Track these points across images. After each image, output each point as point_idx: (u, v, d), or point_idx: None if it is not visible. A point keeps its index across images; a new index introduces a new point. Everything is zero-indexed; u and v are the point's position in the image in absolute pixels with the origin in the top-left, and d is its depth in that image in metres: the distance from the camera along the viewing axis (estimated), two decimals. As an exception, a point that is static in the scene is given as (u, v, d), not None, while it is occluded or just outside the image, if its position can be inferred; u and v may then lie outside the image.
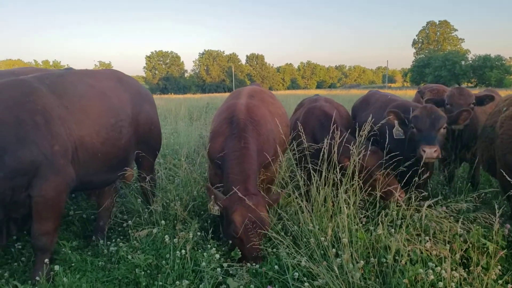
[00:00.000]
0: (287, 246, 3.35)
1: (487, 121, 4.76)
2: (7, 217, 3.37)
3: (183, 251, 3.44)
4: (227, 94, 9.35)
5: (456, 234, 3.37)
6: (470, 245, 3.26)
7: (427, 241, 3.25)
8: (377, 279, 3.04)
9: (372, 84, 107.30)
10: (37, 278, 3.33)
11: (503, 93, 8.44)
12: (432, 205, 3.65)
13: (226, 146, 4.00)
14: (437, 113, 4.23)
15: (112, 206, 4.61)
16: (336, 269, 2.92)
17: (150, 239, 3.76)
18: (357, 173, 3.97)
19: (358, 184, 3.95)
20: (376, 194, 3.87)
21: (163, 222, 3.94)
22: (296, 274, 3.11)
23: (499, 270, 3.05)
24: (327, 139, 4.24)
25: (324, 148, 4.15)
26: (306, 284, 2.97)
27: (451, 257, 3.06)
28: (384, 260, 3.16)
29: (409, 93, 24.08)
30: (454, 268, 3.00)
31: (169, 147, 8.22)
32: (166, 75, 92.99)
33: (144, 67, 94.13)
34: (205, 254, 3.42)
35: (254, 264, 3.41)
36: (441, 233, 3.46)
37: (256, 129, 4.16)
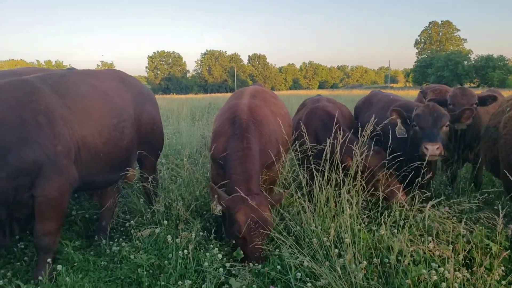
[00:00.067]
0: (290, 246, 3.35)
1: (490, 122, 4.74)
2: (10, 217, 3.38)
3: (185, 251, 3.44)
4: (229, 94, 9.33)
5: (459, 235, 3.35)
6: (473, 246, 3.24)
7: (430, 242, 3.23)
8: (380, 280, 3.03)
9: (374, 85, 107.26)
10: (40, 277, 3.34)
11: (505, 93, 8.38)
12: (435, 205, 3.64)
13: (229, 146, 3.99)
14: (440, 111, 4.23)
15: (114, 206, 4.62)
16: (338, 269, 2.92)
17: (153, 239, 3.76)
18: (359, 173, 3.96)
19: (361, 184, 3.95)
20: (379, 194, 3.85)
21: (165, 222, 3.94)
22: (299, 274, 3.11)
23: (502, 271, 3.03)
24: (330, 139, 4.23)
25: (327, 148, 4.14)
26: (309, 284, 2.96)
27: (454, 257, 3.04)
28: (387, 260, 3.14)
29: (411, 93, 23.98)
30: (457, 268, 2.98)
31: (171, 147, 8.24)
32: (168, 75, 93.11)
33: (146, 67, 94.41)
34: (207, 254, 3.42)
35: (256, 264, 3.41)
36: (444, 233, 3.44)
37: (258, 129, 4.16)
